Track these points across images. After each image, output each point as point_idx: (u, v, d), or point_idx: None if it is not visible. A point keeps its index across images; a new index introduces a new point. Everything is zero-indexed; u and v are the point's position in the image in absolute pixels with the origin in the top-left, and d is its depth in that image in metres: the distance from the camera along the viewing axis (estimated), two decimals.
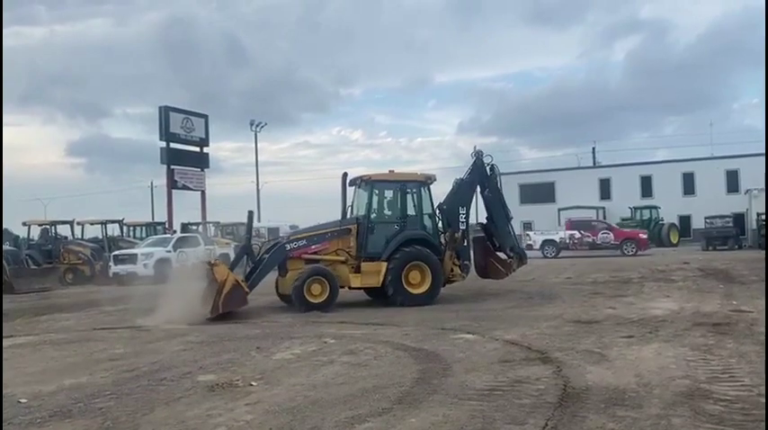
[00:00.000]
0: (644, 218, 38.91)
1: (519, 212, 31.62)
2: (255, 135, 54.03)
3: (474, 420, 5.11)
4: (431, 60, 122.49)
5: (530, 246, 31.81)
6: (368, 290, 13.75)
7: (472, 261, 14.33)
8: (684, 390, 5.78)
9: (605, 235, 31.26)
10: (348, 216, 13.85)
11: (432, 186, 14.07)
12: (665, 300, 12.65)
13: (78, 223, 29.68)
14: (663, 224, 38.02)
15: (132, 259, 23.57)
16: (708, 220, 34.95)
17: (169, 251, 24.20)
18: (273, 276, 13.39)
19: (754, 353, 7.28)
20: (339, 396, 5.97)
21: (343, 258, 13.22)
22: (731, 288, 14.42)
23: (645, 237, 31.43)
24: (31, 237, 28.13)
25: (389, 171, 14.43)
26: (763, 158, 35.12)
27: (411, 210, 13.75)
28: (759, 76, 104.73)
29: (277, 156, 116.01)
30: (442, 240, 13.72)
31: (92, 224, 30.44)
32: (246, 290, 12.20)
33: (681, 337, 8.46)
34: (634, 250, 30.16)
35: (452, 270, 13.61)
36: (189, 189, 36.14)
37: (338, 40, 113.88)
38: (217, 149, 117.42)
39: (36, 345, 9.77)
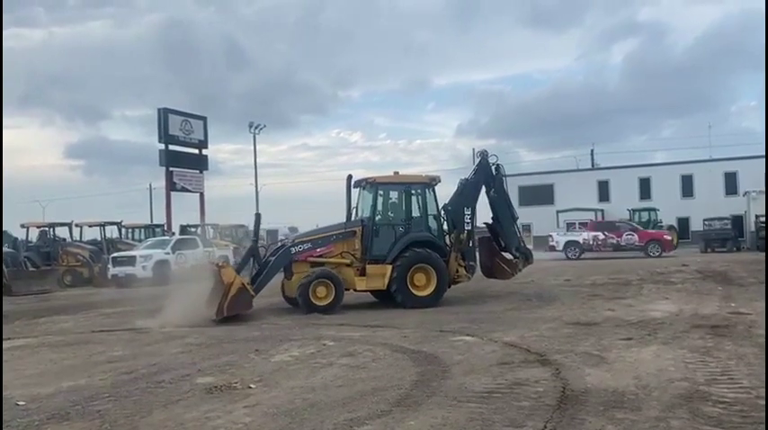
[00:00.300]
0: (642, 220, 38.96)
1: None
2: (254, 137, 53.90)
3: (473, 422, 5.11)
4: (430, 63, 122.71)
5: (552, 247, 31.77)
6: (374, 292, 13.76)
7: (477, 261, 14.31)
8: (683, 393, 5.79)
9: (630, 236, 30.67)
10: (353, 218, 13.84)
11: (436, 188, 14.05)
12: (664, 302, 12.66)
13: (77, 225, 29.65)
14: (661, 226, 38.06)
15: (131, 261, 23.55)
16: (706, 222, 34.99)
17: (168, 253, 24.17)
18: (274, 279, 13.38)
19: (752, 356, 7.28)
20: (338, 398, 5.96)
21: (348, 261, 13.22)
22: (730, 290, 14.44)
23: (670, 238, 30.99)
24: (29, 239, 28.10)
25: (394, 173, 14.38)
26: (762, 161, 35.23)
27: (416, 212, 13.75)
28: (757, 78, 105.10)
29: (276, 159, 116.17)
30: (448, 241, 13.72)
31: (90, 226, 30.40)
32: (252, 293, 12.21)
33: (679, 339, 8.46)
34: (659, 251, 29.54)
35: (457, 271, 13.59)
36: (188, 191, 36.17)
37: (337, 43, 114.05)
38: (216, 151, 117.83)
39: (34, 348, 9.76)
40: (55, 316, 14.24)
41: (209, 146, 37.60)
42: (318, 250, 13.15)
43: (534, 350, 7.97)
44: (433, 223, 13.79)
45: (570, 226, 43.28)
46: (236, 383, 6.66)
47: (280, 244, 14.06)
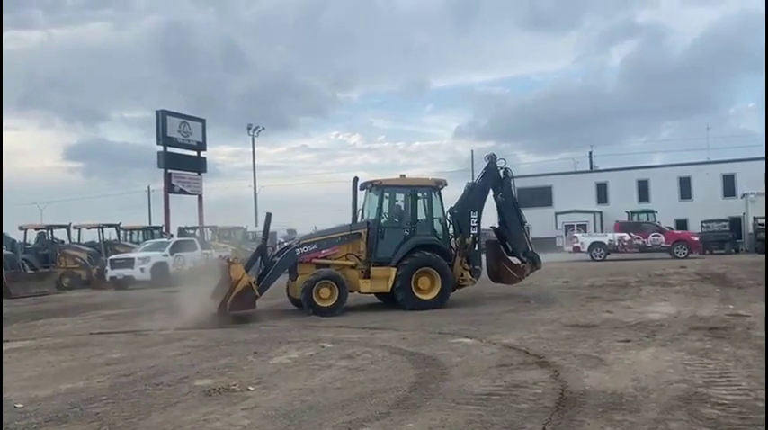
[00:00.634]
0: (641, 222, 39.02)
1: None
2: (253, 139, 54.02)
3: (472, 425, 5.11)
4: (429, 65, 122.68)
5: (577, 249, 31.42)
6: (378, 294, 13.78)
7: (484, 265, 14.30)
8: (682, 394, 5.79)
9: (656, 237, 30.38)
10: (358, 220, 13.85)
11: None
12: (663, 303, 12.66)
13: (75, 227, 29.63)
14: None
15: (129, 263, 23.55)
16: (704, 224, 35.03)
17: (166, 255, 24.19)
18: (279, 280, 13.40)
19: (751, 357, 7.28)
20: (336, 400, 5.96)
21: (352, 263, 13.22)
22: (728, 292, 14.45)
23: (697, 239, 30.68)
24: (27, 241, 28.06)
25: (400, 176, 14.38)
26: (760, 163, 35.27)
27: (421, 215, 13.75)
28: (755, 80, 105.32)
29: (274, 161, 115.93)
30: (453, 245, 13.72)
31: (88, 228, 30.40)
32: (257, 293, 12.23)
33: (678, 341, 8.47)
34: (686, 253, 29.26)
35: (462, 275, 13.59)
36: (186, 193, 36.16)
37: (336, 44, 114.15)
38: (214, 153, 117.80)
39: (32, 350, 9.75)
40: (53, 318, 14.23)
41: (208, 148, 37.67)
42: (323, 252, 13.17)
43: (533, 352, 7.97)
44: (438, 226, 13.80)
45: (569, 228, 43.47)
46: (234, 385, 6.65)
47: (285, 244, 14.05)
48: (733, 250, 33.19)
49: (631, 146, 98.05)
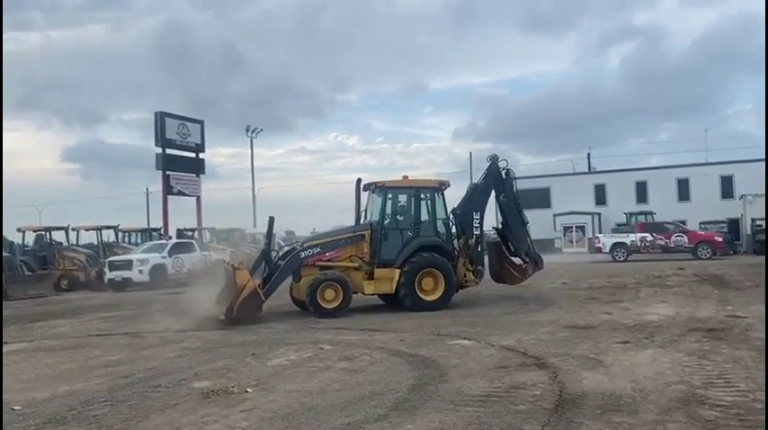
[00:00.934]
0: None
1: None
2: (251, 141, 54.03)
3: (470, 426, 5.11)
4: (427, 66, 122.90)
5: (599, 249, 31.02)
6: (381, 295, 13.81)
7: (487, 266, 14.33)
8: (680, 396, 5.79)
9: (679, 238, 29.99)
10: (361, 222, 13.87)
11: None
12: (661, 305, 12.67)
13: (73, 229, 29.59)
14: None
15: (127, 265, 23.51)
16: (702, 226, 35.03)
17: (164, 257, 24.16)
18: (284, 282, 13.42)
19: (749, 359, 7.29)
20: (335, 402, 5.96)
21: (356, 265, 13.25)
22: (726, 293, 14.45)
23: (721, 239, 30.15)
24: (25, 243, 28.03)
25: (403, 177, 14.39)
26: (758, 164, 35.35)
27: (425, 217, 13.80)
28: (753, 81, 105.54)
29: (273, 162, 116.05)
30: (456, 246, 13.75)
31: (87, 230, 30.37)
32: (263, 298, 12.24)
33: (676, 343, 8.47)
34: (709, 253, 28.83)
35: (465, 276, 13.63)
36: (184, 195, 36.11)
37: (335, 46, 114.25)
38: (213, 155, 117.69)
39: (30, 352, 9.73)
40: (51, 320, 14.21)
41: (207, 149, 37.57)
42: (328, 254, 13.19)
43: (531, 353, 7.97)
44: (441, 227, 13.84)
45: (567, 229, 43.48)
46: (232, 387, 6.64)
47: (289, 248, 14.05)
48: (731, 251, 33.17)
49: (630, 147, 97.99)
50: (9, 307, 17.64)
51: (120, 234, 32.30)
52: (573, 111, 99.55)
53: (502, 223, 14.76)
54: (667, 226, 31.47)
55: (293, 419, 5.47)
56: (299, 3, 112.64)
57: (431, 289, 13.10)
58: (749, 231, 33.88)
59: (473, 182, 14.65)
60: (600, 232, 43.52)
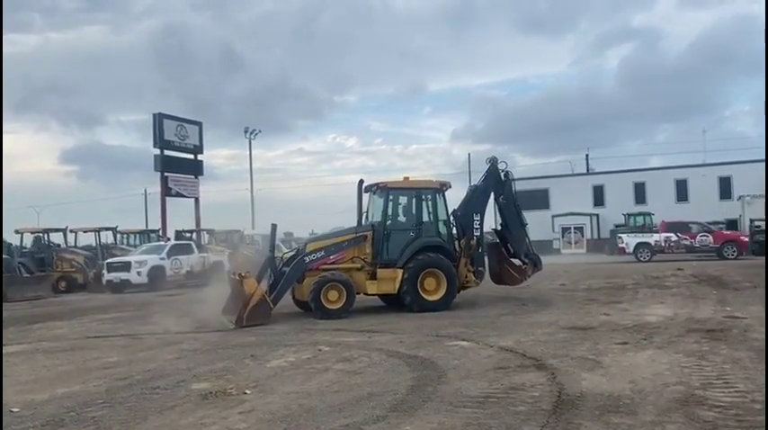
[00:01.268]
0: (638, 224, 39.07)
1: None
2: (250, 142, 54.05)
3: (469, 427, 5.11)
4: (425, 68, 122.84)
5: (622, 250, 30.52)
6: (382, 296, 13.84)
7: (487, 267, 14.38)
8: (679, 397, 5.79)
9: (704, 237, 29.61)
10: (363, 223, 13.90)
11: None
12: (660, 306, 12.67)
13: (71, 231, 29.61)
14: (656, 231, 38.12)
15: (126, 267, 23.48)
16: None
17: (163, 259, 24.15)
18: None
19: (748, 359, 7.30)
20: (334, 404, 5.95)
21: (359, 265, 13.29)
22: (725, 294, 14.46)
23: (747, 239, 29.70)
24: (23, 244, 28.00)
25: (405, 178, 14.47)
26: (756, 165, 35.34)
27: (426, 217, 13.86)
28: (750, 83, 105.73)
29: (272, 164, 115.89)
30: (457, 247, 13.78)
31: (85, 232, 30.36)
32: (271, 305, 12.25)
33: (675, 344, 8.47)
34: (735, 253, 28.46)
35: (466, 276, 13.67)
36: (183, 196, 36.06)
37: (333, 48, 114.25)
38: (211, 157, 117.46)
39: (29, 354, 9.72)
40: (49, 322, 14.18)
41: (205, 151, 37.51)
42: (332, 257, 13.21)
43: (530, 355, 7.97)
44: (443, 228, 13.91)
45: (566, 230, 43.51)
46: (231, 389, 6.64)
47: (293, 252, 14.04)
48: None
49: (628, 148, 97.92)
50: (7, 308, 17.60)
51: (118, 235, 32.28)
52: (571, 112, 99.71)
53: (501, 225, 14.82)
54: (692, 225, 30.84)
55: (292, 421, 5.47)
56: (297, 4, 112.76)
57: (433, 289, 13.14)
58: (747, 232, 33.87)
59: (473, 184, 14.69)
60: (599, 233, 43.71)
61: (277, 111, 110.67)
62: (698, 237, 29.81)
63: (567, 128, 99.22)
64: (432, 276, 13.16)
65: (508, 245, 14.63)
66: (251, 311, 11.75)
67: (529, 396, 5.98)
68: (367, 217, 14.05)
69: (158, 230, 34.68)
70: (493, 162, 14.44)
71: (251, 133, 53.74)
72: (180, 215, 36.46)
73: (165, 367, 8.14)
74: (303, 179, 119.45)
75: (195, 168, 36.82)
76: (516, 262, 14.61)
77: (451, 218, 14.00)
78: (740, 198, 36.62)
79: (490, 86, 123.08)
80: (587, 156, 57.18)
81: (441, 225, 13.91)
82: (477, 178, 15.20)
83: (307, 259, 13.10)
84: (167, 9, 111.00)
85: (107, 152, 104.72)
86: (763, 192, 31.87)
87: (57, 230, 28.51)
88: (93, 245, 29.24)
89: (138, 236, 34.17)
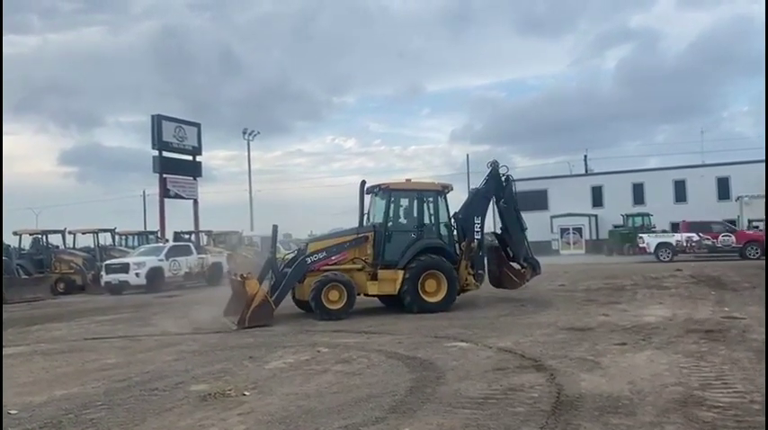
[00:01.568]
0: (636, 225, 39.12)
1: None
2: (248, 143, 54.03)
3: (468, 428, 5.11)
4: (424, 69, 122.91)
5: (643, 250, 30.08)
6: (382, 298, 13.86)
7: (486, 270, 14.40)
8: (678, 397, 5.79)
9: (726, 237, 29.14)
10: (364, 223, 13.90)
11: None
12: (658, 307, 12.68)
13: (70, 232, 29.56)
14: (655, 231, 38.15)
15: (124, 268, 23.46)
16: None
17: (161, 260, 24.13)
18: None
19: (746, 360, 7.30)
20: (332, 405, 5.95)
21: (359, 266, 13.31)
22: (723, 295, 14.48)
23: None
24: (22, 246, 27.97)
25: (406, 180, 14.58)
26: (754, 165, 35.44)
27: (427, 219, 13.90)
28: (748, 83, 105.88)
29: (270, 165, 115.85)
30: (458, 249, 13.82)
31: (83, 233, 30.31)
32: (273, 306, 12.24)
33: (674, 344, 8.48)
34: (758, 253, 27.87)
35: (467, 279, 13.70)
36: (181, 198, 36.00)
37: (332, 49, 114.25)
38: (210, 158, 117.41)
39: (27, 356, 9.70)
40: (48, 323, 14.17)
41: (204, 152, 37.44)
42: (333, 258, 13.23)
43: (529, 355, 7.97)
44: (444, 230, 13.96)
45: (564, 231, 43.52)
46: (229, 390, 6.63)
47: (295, 253, 14.05)
48: None
49: (626, 149, 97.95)
50: (6, 310, 17.57)
51: (116, 237, 32.24)
52: (570, 113, 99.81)
53: (501, 228, 14.88)
54: (714, 225, 30.39)
55: (291, 422, 5.46)
56: (295, 6, 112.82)
57: (433, 291, 13.17)
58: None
59: (474, 187, 14.74)
60: (597, 234, 43.74)
61: (276, 112, 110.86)
62: (720, 237, 29.32)
63: (565, 128, 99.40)
64: (432, 278, 13.18)
65: (508, 248, 14.69)
66: (253, 312, 11.75)
67: (528, 397, 5.98)
68: (368, 218, 14.09)
69: (157, 232, 34.62)
70: (494, 166, 14.50)
71: (249, 134, 53.76)
72: (178, 216, 36.42)
73: (163, 369, 8.12)
74: (302, 180, 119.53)
75: (194, 170, 36.77)
76: (516, 266, 14.67)
77: (452, 220, 14.05)
78: (738, 198, 36.65)
79: (489, 87, 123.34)
80: (586, 156, 57.36)
81: (442, 227, 13.96)
82: (476, 179, 15.32)
83: (308, 260, 13.11)
84: (166, 10, 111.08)
85: (106, 153, 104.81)
86: (761, 193, 31.98)
87: (55, 232, 28.48)
88: (92, 246, 29.22)
89: (136, 237, 34.14)
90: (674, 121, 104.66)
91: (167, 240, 30.95)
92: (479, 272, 13.94)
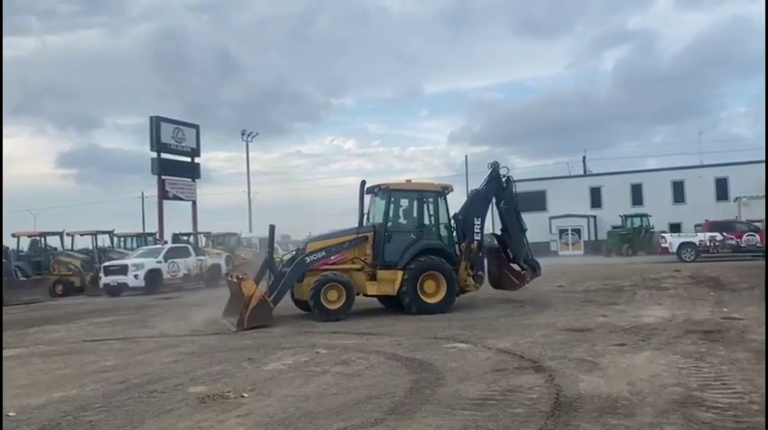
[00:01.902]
0: (635, 226, 39.15)
1: None
2: (247, 145, 54.08)
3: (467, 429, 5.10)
4: (423, 70, 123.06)
5: (665, 250, 29.50)
6: (381, 298, 13.85)
7: (486, 271, 14.40)
8: (677, 398, 5.79)
9: (750, 237, 28.54)
10: (364, 224, 13.90)
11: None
12: (657, 307, 12.68)
13: (68, 234, 29.55)
14: (653, 232, 38.18)
15: (123, 270, 23.44)
16: (698, 228, 35.05)
17: (160, 262, 24.09)
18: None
19: (745, 361, 7.30)
20: (331, 407, 5.94)
21: (359, 266, 13.30)
22: (722, 295, 14.48)
23: None
24: (20, 248, 27.94)
25: (407, 180, 14.56)
26: (752, 166, 35.47)
27: (427, 220, 13.89)
28: (746, 85, 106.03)
29: (269, 166, 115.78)
30: (457, 251, 13.81)
31: (82, 235, 30.28)
32: (272, 306, 12.23)
33: (673, 345, 8.48)
34: None
35: (466, 280, 13.69)
36: (180, 199, 35.98)
37: (330, 51, 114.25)
38: (208, 160, 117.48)
39: (25, 358, 9.68)
40: (46, 325, 14.15)
41: (202, 154, 37.40)
42: (333, 258, 13.22)
43: (528, 356, 7.96)
44: (444, 231, 13.95)
45: (563, 232, 43.53)
46: (228, 392, 6.62)
47: (294, 253, 14.05)
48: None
49: (625, 150, 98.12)
50: (4, 312, 17.52)
51: (115, 239, 32.21)
52: (568, 114, 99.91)
53: (501, 229, 14.86)
54: (738, 225, 29.98)
55: (290, 424, 5.45)
56: (293, 8, 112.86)
57: (433, 292, 13.15)
58: None
59: (474, 188, 14.74)
60: (596, 235, 43.75)
61: (274, 113, 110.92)
62: (744, 237, 28.86)
63: (563, 130, 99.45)
64: (432, 279, 13.17)
65: (508, 249, 14.67)
66: (252, 313, 11.73)
67: (527, 398, 5.97)
68: (368, 218, 14.07)
69: (155, 233, 34.61)
70: (495, 167, 14.48)
71: (248, 136, 53.81)
72: (177, 218, 36.41)
73: (162, 370, 8.11)
74: (300, 182, 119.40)
75: (192, 171, 36.75)
76: (515, 267, 14.65)
77: (452, 221, 14.04)
78: (737, 199, 36.67)
79: (487, 89, 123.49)
80: (584, 157, 57.36)
81: (442, 228, 13.96)
82: (474, 180, 15.33)
83: (307, 259, 13.10)
84: (164, 12, 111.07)
85: (104, 155, 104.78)
86: (760, 193, 31.98)
87: (54, 234, 28.45)
88: (90, 248, 29.18)
89: (135, 239, 34.13)
90: (671, 122, 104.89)
91: (166, 242, 30.92)
92: (479, 273, 13.93)
